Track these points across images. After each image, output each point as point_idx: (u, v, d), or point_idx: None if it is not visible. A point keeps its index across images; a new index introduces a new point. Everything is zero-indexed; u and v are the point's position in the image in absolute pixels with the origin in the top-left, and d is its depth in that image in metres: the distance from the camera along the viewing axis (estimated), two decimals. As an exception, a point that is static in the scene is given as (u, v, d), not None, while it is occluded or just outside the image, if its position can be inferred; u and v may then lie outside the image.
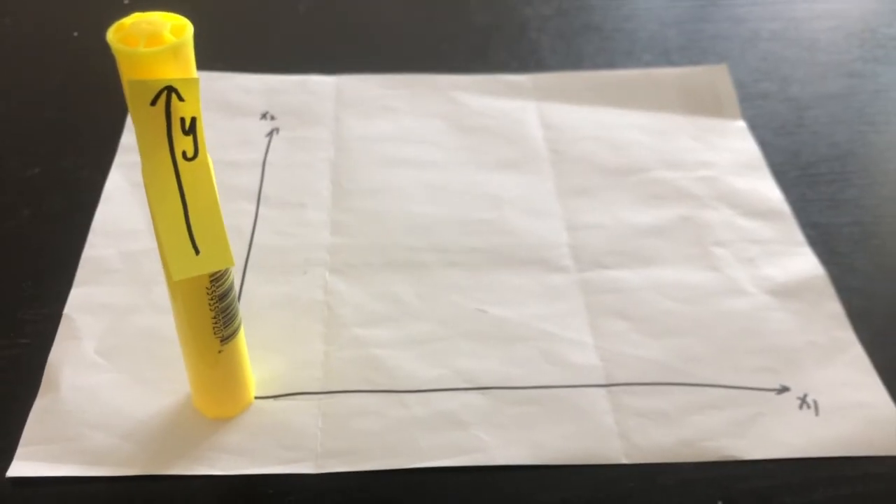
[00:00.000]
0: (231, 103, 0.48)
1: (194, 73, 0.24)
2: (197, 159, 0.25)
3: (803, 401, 0.35)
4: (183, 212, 0.25)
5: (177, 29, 0.24)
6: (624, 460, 0.33)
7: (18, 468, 0.31)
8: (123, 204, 0.41)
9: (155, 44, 0.23)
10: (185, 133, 0.25)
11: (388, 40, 0.55)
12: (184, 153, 0.25)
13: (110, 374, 0.34)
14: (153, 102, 0.23)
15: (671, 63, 0.53)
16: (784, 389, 0.36)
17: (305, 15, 0.56)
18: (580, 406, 0.34)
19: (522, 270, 0.40)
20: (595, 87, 0.50)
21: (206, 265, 0.25)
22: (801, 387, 0.36)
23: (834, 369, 0.36)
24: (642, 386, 0.35)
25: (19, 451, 0.32)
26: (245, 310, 0.37)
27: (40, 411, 0.33)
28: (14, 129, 0.46)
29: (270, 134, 0.46)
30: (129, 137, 0.45)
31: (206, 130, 0.47)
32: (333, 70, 0.51)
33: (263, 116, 0.47)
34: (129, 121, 0.46)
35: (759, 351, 0.37)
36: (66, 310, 0.37)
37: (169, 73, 0.23)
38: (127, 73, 0.23)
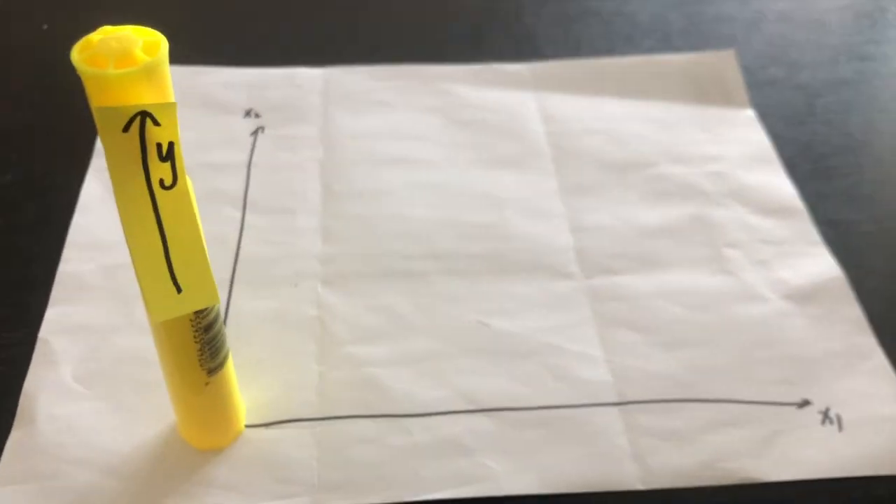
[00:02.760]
0: (213, 100, 0.45)
1: (170, 94, 0.22)
2: (176, 187, 0.23)
3: (826, 415, 0.33)
4: (162, 246, 0.23)
5: (150, 46, 0.21)
6: (640, 486, 0.31)
7: (-8, 512, 0.29)
8: (101, 213, 0.39)
9: (126, 64, 0.21)
10: (163, 160, 0.22)
11: (377, 28, 0.52)
12: (161, 181, 0.22)
13: (90, 401, 0.32)
14: (126, 129, 0.21)
15: (673, 48, 0.50)
16: (805, 403, 0.34)
17: (290, 2, 0.53)
18: (591, 427, 0.33)
19: (526, 278, 0.38)
20: (596, 76, 0.48)
21: (188, 304, 0.23)
22: (823, 399, 0.34)
23: (856, 379, 0.34)
24: (656, 403, 0.33)
25: (-7, 492, 0.30)
26: (232, 328, 0.35)
27: (15, 446, 0.31)
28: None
29: (255, 133, 0.44)
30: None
31: (186, 130, 0.44)
32: (320, 61, 0.48)
33: (247, 114, 0.45)
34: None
35: (777, 361, 0.35)
36: (42, 332, 0.34)
37: (142, 95, 0.21)
38: (95, 97, 0.21)
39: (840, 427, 0.33)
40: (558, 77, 0.48)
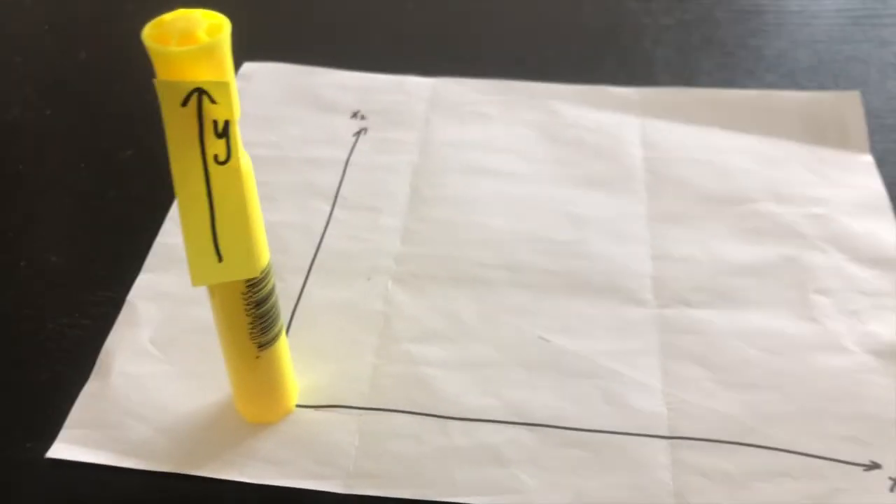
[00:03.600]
0: (324, 99, 0.47)
1: (228, 75, 0.23)
2: (229, 164, 0.24)
3: None
4: (209, 217, 0.24)
5: (213, 28, 0.23)
6: (675, 523, 0.30)
7: (58, 450, 0.31)
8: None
9: (187, 43, 0.22)
10: (219, 136, 0.24)
11: (492, 43, 0.53)
12: (216, 157, 0.24)
13: (160, 364, 0.34)
14: (184, 103, 0.23)
15: (797, 86, 0.48)
16: (874, 466, 0.31)
17: (411, 13, 0.55)
18: (636, 457, 0.32)
19: (596, 299, 0.37)
20: (707, 106, 0.47)
21: (227, 273, 0.24)
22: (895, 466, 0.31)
23: (937, 449, 0.32)
24: (709, 443, 0.32)
25: (62, 433, 0.32)
26: (303, 312, 0.37)
27: (88, 395, 0.33)
28: (114, 110, 0.48)
29: (358, 133, 0.45)
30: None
31: (294, 126, 0.47)
32: (434, 72, 0.49)
33: (354, 115, 0.47)
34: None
35: (851, 418, 0.33)
36: (130, 295, 0.37)
37: (200, 73, 0.23)
38: (160, 73, 0.23)
39: (910, 496, 0.30)
40: (666, 103, 0.47)
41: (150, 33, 0.23)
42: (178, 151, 0.23)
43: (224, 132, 0.24)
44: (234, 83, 0.24)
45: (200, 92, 0.22)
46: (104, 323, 0.36)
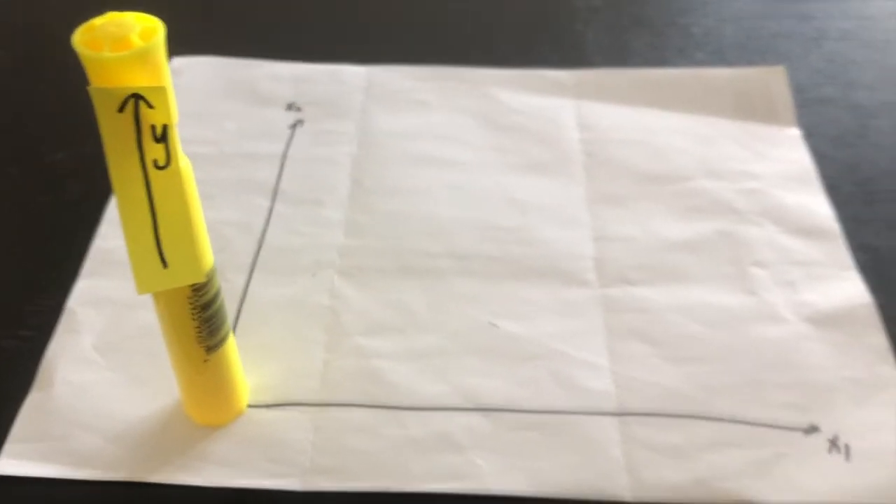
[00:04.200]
0: (257, 92, 0.47)
1: (165, 79, 0.23)
2: (169, 168, 0.24)
3: (833, 443, 0.32)
4: (152, 223, 0.24)
5: (146, 32, 0.22)
6: (628, 498, 0.31)
7: (3, 466, 0.31)
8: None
9: (121, 48, 0.22)
10: (157, 141, 0.23)
11: (424, 29, 0.53)
12: (155, 161, 0.23)
13: (105, 371, 0.34)
14: (120, 109, 0.22)
15: (726, 63, 0.49)
16: (813, 429, 0.33)
17: (342, 1, 0.55)
18: (587, 435, 0.32)
19: (541, 283, 0.38)
20: (640, 87, 0.48)
21: (173, 279, 0.24)
22: (833, 427, 0.33)
23: (871, 410, 0.33)
24: (657, 417, 0.33)
25: (6, 448, 0.31)
26: (248, 311, 0.36)
27: (32, 407, 0.33)
28: (42, 112, 0.46)
29: (294, 126, 0.45)
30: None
31: (229, 120, 0.46)
32: (366, 60, 0.49)
33: (289, 107, 0.46)
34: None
35: (790, 385, 0.34)
36: (70, 302, 0.36)
37: (136, 79, 0.22)
38: (94, 79, 0.22)
39: (847, 456, 0.32)
40: (600, 85, 0.47)
41: (82, 39, 0.22)
42: (117, 158, 0.23)
43: (162, 137, 0.23)
44: (171, 87, 0.23)
45: (137, 97, 0.22)
46: (43, 332, 0.35)
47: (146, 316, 0.36)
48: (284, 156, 0.43)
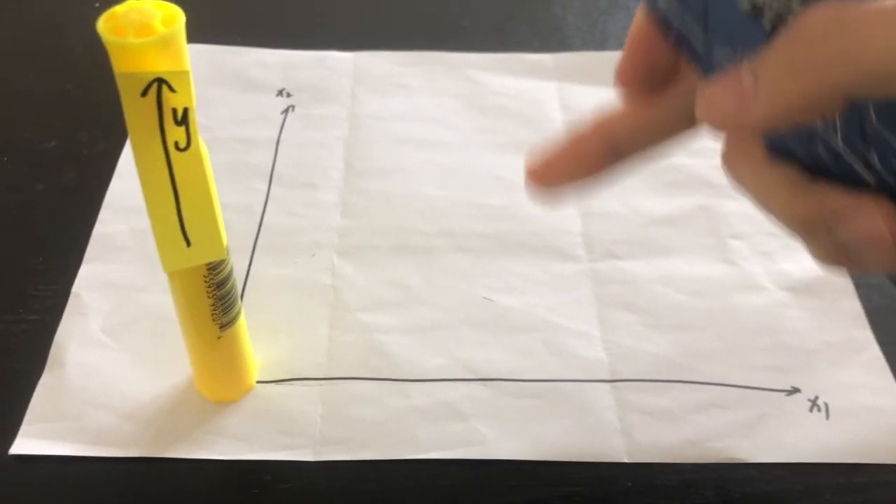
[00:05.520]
0: (248, 78, 0.48)
1: (186, 63, 0.24)
2: (189, 150, 0.25)
3: (814, 403, 0.34)
4: (174, 203, 0.25)
5: (168, 18, 0.23)
6: (625, 459, 0.32)
7: (21, 445, 0.32)
8: (137, 180, 0.41)
9: (145, 34, 0.23)
10: (178, 124, 0.24)
11: (406, 15, 0.54)
12: (176, 144, 0.24)
13: (115, 352, 0.35)
14: (144, 94, 0.23)
15: (700, 44, 0.51)
16: (794, 391, 0.35)
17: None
18: (583, 401, 0.34)
19: (532, 258, 0.39)
20: (619, 69, 0.49)
21: (196, 257, 0.25)
22: (813, 388, 0.35)
23: (848, 371, 0.35)
24: (648, 382, 0.35)
25: (23, 428, 0.32)
26: (252, 291, 0.37)
27: (45, 389, 0.33)
28: (31, 100, 0.47)
29: (286, 111, 0.46)
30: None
31: (221, 106, 0.47)
32: (352, 46, 0.50)
33: (280, 93, 0.47)
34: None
35: (771, 349, 0.36)
36: (75, 287, 0.37)
37: (159, 64, 0.23)
38: (117, 64, 0.23)
39: (827, 415, 0.34)
40: (581, 68, 0.49)
41: (106, 26, 0.23)
42: (140, 141, 0.24)
43: (183, 119, 0.24)
44: (191, 71, 0.24)
45: (160, 82, 0.23)
46: (51, 316, 0.36)
47: (151, 298, 0.37)
48: (278, 140, 0.44)
